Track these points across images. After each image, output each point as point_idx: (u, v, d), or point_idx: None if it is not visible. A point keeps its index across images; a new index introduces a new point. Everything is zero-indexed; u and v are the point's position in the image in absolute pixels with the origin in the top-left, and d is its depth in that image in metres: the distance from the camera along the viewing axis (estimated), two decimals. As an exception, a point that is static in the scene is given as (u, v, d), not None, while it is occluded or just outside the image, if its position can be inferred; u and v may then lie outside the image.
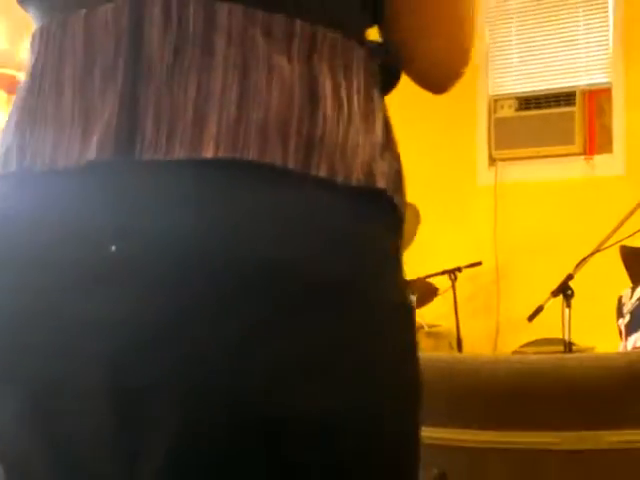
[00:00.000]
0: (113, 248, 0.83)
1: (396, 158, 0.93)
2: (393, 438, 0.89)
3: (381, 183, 0.89)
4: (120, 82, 0.87)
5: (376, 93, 0.94)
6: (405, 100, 0.94)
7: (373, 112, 0.92)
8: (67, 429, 0.88)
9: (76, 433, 0.87)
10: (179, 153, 0.84)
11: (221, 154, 0.83)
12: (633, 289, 2.32)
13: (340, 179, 0.86)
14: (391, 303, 0.89)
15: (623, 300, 2.32)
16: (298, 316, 0.82)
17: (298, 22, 0.88)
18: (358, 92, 0.90)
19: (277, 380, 0.82)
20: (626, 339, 2.24)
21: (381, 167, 0.89)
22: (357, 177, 0.87)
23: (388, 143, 0.92)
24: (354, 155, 0.87)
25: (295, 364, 0.82)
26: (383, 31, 1.01)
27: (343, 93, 0.89)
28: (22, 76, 0.97)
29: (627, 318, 2.26)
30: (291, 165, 0.84)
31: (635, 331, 2.21)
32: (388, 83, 0.96)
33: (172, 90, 0.86)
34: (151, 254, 0.82)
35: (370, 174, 0.88)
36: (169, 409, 0.83)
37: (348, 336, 0.84)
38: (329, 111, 0.87)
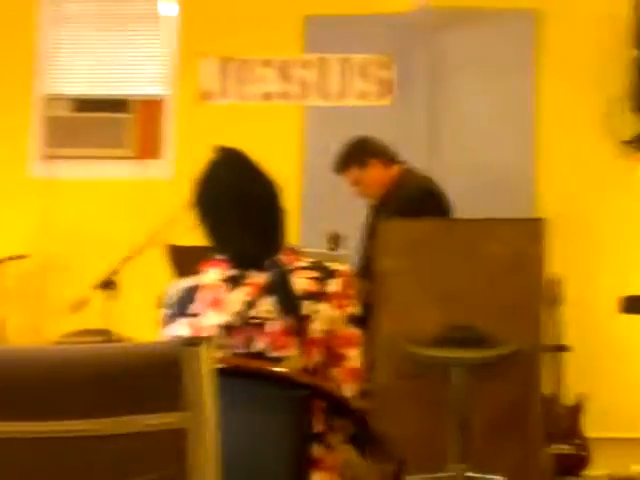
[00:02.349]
0: None
1: None
2: None
3: None
4: None
5: None
6: None
7: None
8: None
9: None
10: None
11: None
12: (175, 283, 2.31)
13: None
14: None
15: (166, 293, 2.28)
16: None
17: None
18: None
19: None
20: (165, 329, 2.23)
21: None
22: None
23: None
24: None
25: None
26: None
27: None
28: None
29: (169, 310, 2.24)
30: None
31: (174, 321, 2.20)
32: None
33: None
34: None
35: None
36: None
37: None
38: None
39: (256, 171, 2.27)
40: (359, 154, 4.36)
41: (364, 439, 2.19)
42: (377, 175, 4.34)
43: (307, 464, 2.00)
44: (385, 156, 4.38)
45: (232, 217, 2.20)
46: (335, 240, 4.25)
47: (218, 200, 2.22)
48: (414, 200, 4.17)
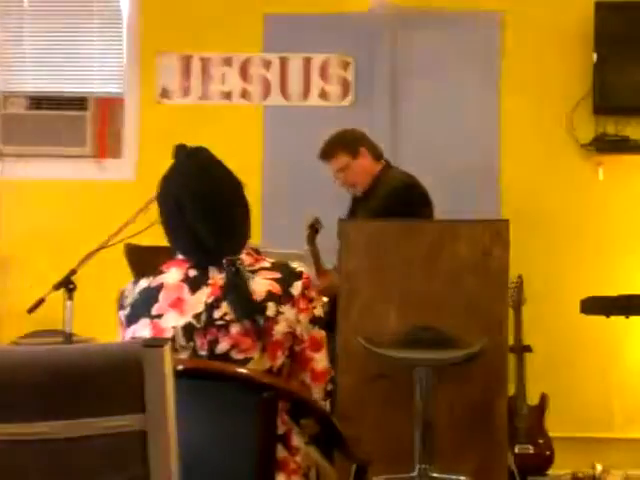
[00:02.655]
0: None
1: None
2: None
3: None
4: None
5: None
6: None
7: None
8: None
9: None
10: None
11: None
12: (135, 282, 2.26)
13: None
14: None
15: (125, 293, 2.25)
16: None
17: None
18: None
19: None
20: (125, 330, 2.20)
21: None
22: None
23: None
24: None
25: None
26: None
27: None
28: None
29: (128, 310, 2.20)
30: None
31: (135, 322, 2.17)
32: None
33: None
34: None
35: None
36: None
37: None
38: None
39: (217, 168, 2.25)
40: (351, 141, 4.38)
41: (329, 440, 2.18)
42: (366, 165, 4.37)
43: (273, 466, 1.99)
44: (374, 149, 4.40)
45: (190, 214, 2.17)
46: (315, 226, 4.29)
47: (176, 197, 2.20)
48: (400, 194, 4.21)
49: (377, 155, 4.41)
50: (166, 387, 1.60)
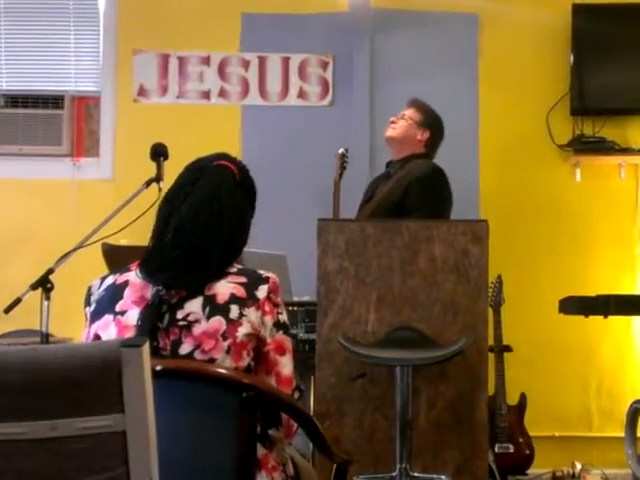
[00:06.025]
0: None
1: None
2: None
3: None
4: None
5: None
6: None
7: None
8: None
9: None
10: None
11: None
12: (102, 279, 2.22)
13: None
14: None
15: (92, 290, 2.21)
16: None
17: None
18: None
19: None
20: (90, 326, 2.16)
21: None
22: None
23: None
24: None
25: None
26: None
27: None
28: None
29: (93, 306, 2.17)
30: None
31: (98, 319, 2.13)
32: None
33: None
34: None
35: None
36: None
37: None
38: None
39: (226, 199, 2.29)
40: (431, 119, 4.42)
41: (309, 438, 2.16)
42: (416, 140, 4.37)
43: (253, 465, 1.98)
44: (432, 147, 4.42)
45: (171, 233, 2.14)
46: (344, 157, 4.39)
47: (169, 211, 2.18)
48: (430, 176, 4.24)
49: (428, 149, 4.41)
50: (145, 387, 1.58)
